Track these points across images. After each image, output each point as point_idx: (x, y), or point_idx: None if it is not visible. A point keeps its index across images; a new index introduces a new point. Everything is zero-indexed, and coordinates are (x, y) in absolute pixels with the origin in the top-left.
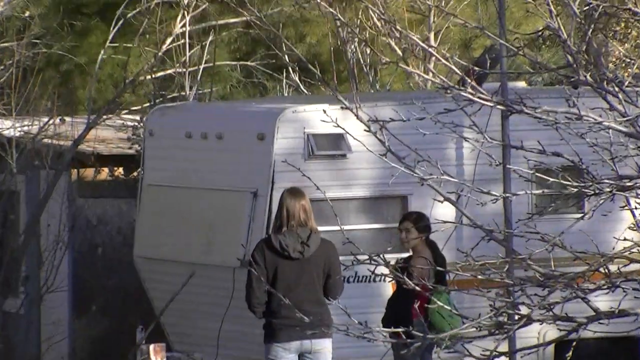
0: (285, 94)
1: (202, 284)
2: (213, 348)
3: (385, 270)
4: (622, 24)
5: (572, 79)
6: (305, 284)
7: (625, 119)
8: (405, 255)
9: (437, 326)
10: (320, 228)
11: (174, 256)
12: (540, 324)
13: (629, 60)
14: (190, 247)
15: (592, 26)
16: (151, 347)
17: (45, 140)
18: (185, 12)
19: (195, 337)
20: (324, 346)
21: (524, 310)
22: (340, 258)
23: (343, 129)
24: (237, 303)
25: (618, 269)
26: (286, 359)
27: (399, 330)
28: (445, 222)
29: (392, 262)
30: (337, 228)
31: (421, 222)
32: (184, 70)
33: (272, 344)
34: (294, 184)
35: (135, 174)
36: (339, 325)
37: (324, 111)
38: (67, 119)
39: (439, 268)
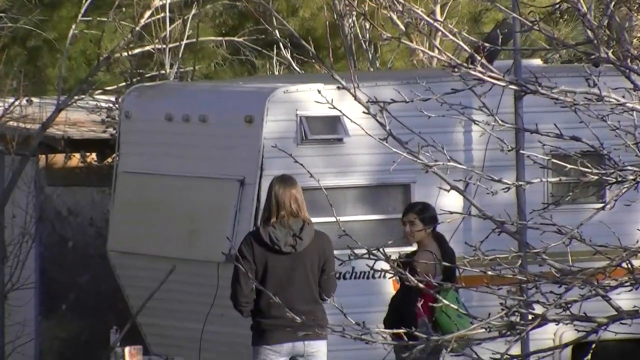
0: (276, 73)
1: (183, 280)
2: (195, 351)
3: (386, 266)
4: None
5: (593, 56)
6: (298, 280)
7: None
8: (409, 249)
9: (443, 327)
10: (313, 219)
11: (152, 250)
12: (557, 325)
13: None
14: (170, 240)
15: None
16: (127, 350)
17: (11, 123)
18: None
19: (175, 338)
20: (318, 349)
21: (538, 309)
22: (336, 252)
23: (339, 110)
24: (221, 301)
25: None
26: None
27: (400, 331)
28: (452, 212)
29: (394, 257)
30: (332, 219)
31: (426, 213)
32: (164, 46)
33: (261, 347)
34: (284, 171)
35: (109, 160)
36: (334, 325)
37: (319, 91)
38: (35, 99)
39: (445, 263)
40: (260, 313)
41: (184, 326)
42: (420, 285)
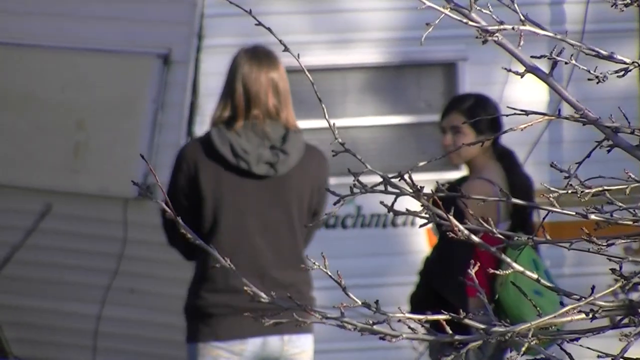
0: None
1: (65, 230)
2: (86, 352)
3: (415, 205)
4: None
5: None
6: (277, 227)
7: None
8: (455, 175)
9: (511, 311)
10: None
11: (12, 178)
12: None
13: None
14: (41, 160)
15: None
16: None
17: None
18: None
19: (52, 331)
20: (303, 348)
21: None
22: (330, 181)
23: None
24: (131, 266)
25: None
26: None
27: (440, 317)
28: (527, 113)
29: (428, 190)
30: (322, 124)
31: (482, 114)
32: None
33: (207, 344)
34: (239, 39)
35: None
36: (324, 308)
37: None
38: None
39: (517, 201)
40: (208, 282)
41: (68, 310)
42: (474, 237)
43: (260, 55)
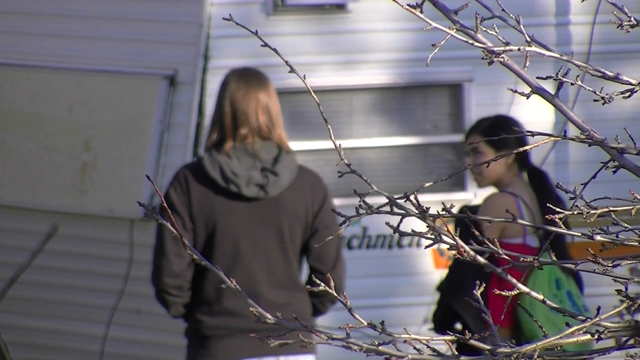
0: None
1: (70, 251)
2: None
3: (421, 226)
4: None
5: None
6: (268, 248)
7: None
8: (461, 196)
9: (525, 326)
10: (294, 145)
11: (16, 199)
12: None
13: None
14: (47, 182)
15: None
16: None
17: None
18: None
19: (58, 352)
20: None
21: None
22: (335, 202)
23: None
24: (137, 287)
25: None
26: None
27: (447, 338)
28: (533, 134)
29: (434, 210)
30: (327, 145)
31: (500, 132)
32: None
33: None
34: (247, 61)
35: None
36: (328, 328)
37: None
38: None
39: (521, 222)
40: (203, 305)
41: (74, 330)
42: (480, 258)
43: (249, 76)
